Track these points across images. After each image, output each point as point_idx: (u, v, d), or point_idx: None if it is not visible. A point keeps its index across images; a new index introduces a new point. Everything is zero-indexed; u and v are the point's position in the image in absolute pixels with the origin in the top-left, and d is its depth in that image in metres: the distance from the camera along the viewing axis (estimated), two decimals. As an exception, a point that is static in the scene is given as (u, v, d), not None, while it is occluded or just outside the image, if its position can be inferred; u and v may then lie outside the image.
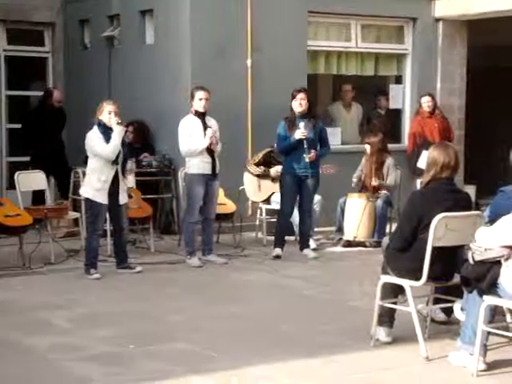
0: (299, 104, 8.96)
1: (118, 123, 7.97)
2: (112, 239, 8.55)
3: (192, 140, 8.56)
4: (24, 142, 11.29)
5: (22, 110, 12.03)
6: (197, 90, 8.64)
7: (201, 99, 8.58)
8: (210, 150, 8.59)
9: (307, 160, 8.88)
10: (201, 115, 8.63)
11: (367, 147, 10.06)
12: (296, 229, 9.63)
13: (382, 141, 10.06)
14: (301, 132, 8.82)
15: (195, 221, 8.71)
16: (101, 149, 7.95)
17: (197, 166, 8.60)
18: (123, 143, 8.16)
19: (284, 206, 9.15)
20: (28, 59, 12.25)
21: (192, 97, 8.65)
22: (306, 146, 8.82)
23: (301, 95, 8.97)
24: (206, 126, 8.60)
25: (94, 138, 8.02)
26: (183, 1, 10.39)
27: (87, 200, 8.11)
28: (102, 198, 7.98)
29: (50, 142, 10.75)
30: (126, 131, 9.47)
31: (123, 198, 8.16)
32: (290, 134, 8.92)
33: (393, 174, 10.03)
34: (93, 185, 7.99)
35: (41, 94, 11.40)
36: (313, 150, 8.93)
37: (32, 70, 12.55)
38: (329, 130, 11.49)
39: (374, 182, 9.87)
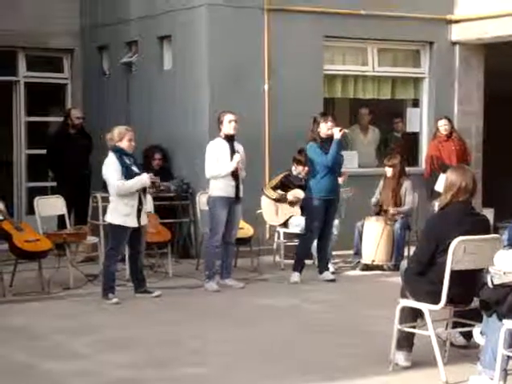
0: (331, 127, 8.96)
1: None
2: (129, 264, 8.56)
3: (219, 163, 8.58)
4: (49, 167, 11.39)
5: (42, 136, 12.13)
6: (225, 113, 8.67)
7: (230, 121, 8.59)
8: (234, 174, 8.61)
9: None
10: (230, 139, 8.65)
11: (388, 170, 10.05)
12: (314, 252, 9.61)
13: (401, 163, 10.07)
14: (339, 130, 8.86)
15: (218, 244, 8.71)
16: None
17: (221, 188, 8.60)
18: (139, 167, 8.23)
19: (312, 231, 9.09)
20: (47, 85, 12.36)
21: (220, 121, 8.65)
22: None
23: (331, 118, 9.01)
24: (233, 151, 8.63)
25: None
26: (201, 26, 10.48)
27: (114, 226, 8.03)
28: (132, 222, 8.01)
29: (76, 166, 10.81)
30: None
31: (144, 220, 8.20)
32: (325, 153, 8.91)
33: (410, 196, 10.00)
34: (121, 211, 7.98)
35: (60, 119, 11.50)
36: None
37: (51, 96, 12.66)
38: (346, 153, 11.50)
39: (392, 211, 9.83)
